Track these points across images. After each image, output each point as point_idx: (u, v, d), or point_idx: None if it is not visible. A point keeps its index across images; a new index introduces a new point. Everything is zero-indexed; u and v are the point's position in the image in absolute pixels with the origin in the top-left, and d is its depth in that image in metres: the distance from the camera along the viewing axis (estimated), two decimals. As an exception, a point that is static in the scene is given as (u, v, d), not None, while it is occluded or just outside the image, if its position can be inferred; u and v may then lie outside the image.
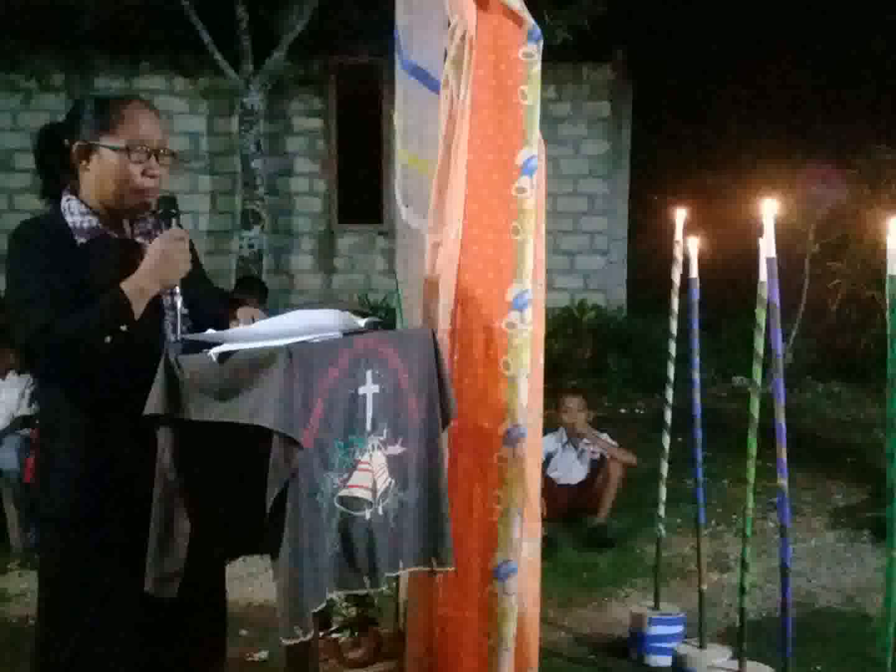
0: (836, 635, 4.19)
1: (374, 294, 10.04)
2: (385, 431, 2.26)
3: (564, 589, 4.67)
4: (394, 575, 2.41)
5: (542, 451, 3.50)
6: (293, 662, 2.28)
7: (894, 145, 9.26)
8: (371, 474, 2.23)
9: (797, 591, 4.34)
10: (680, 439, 4.42)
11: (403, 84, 3.21)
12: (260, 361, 2.06)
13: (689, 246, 3.80)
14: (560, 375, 7.85)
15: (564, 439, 5.82)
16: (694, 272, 3.74)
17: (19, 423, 5.44)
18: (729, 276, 7.41)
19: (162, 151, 2.39)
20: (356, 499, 2.21)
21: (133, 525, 2.25)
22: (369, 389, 2.21)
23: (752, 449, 3.31)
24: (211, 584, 2.47)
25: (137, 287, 2.26)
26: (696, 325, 3.76)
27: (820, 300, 9.53)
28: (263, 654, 3.98)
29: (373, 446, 2.23)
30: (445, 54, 2.75)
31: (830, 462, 6.65)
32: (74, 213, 2.37)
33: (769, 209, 2.90)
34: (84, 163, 2.38)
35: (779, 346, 2.97)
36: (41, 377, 2.58)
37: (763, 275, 3.08)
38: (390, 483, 2.27)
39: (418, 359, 2.36)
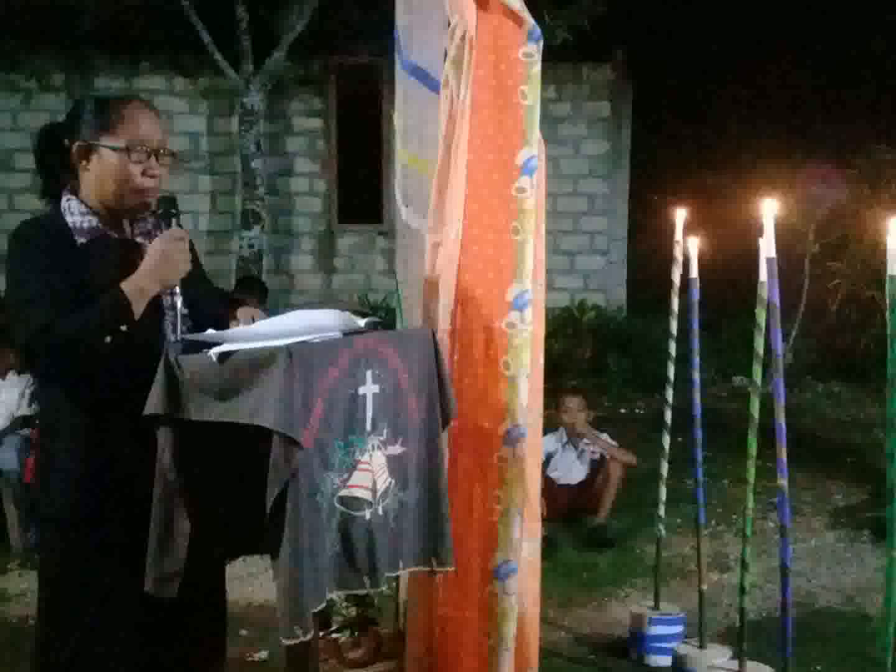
0: (836, 635, 4.19)
1: (374, 294, 10.04)
2: (385, 431, 2.26)
3: (564, 589, 4.67)
4: (394, 575, 2.41)
5: (542, 451, 3.50)
6: (293, 662, 2.28)
7: (894, 145, 9.26)
8: (371, 474, 2.23)
9: (797, 591, 4.34)
10: (680, 439, 4.42)
11: (403, 84, 3.21)
12: (260, 361, 2.06)
13: (689, 246, 3.80)
14: (560, 375, 7.85)
15: (564, 439, 5.82)
16: (694, 272, 3.74)
17: (19, 423, 5.44)
18: (729, 276, 7.41)
19: (162, 151, 2.39)
20: (356, 499, 2.21)
21: (133, 525, 2.25)
22: (369, 389, 2.21)
23: (752, 449, 3.31)
24: (211, 584, 2.47)
25: (137, 287, 2.26)
26: (696, 325, 3.76)
27: (820, 300, 9.53)
28: (263, 654, 3.98)
29: (373, 446, 2.23)
30: (445, 54, 2.75)
31: (830, 462, 6.65)
32: (74, 213, 2.37)
33: (769, 209, 2.90)
34: (84, 163, 2.38)
35: (779, 346, 2.97)
36: (41, 377, 2.58)
37: (763, 275, 3.08)
38: (390, 483, 2.27)
39: (418, 359, 2.36)
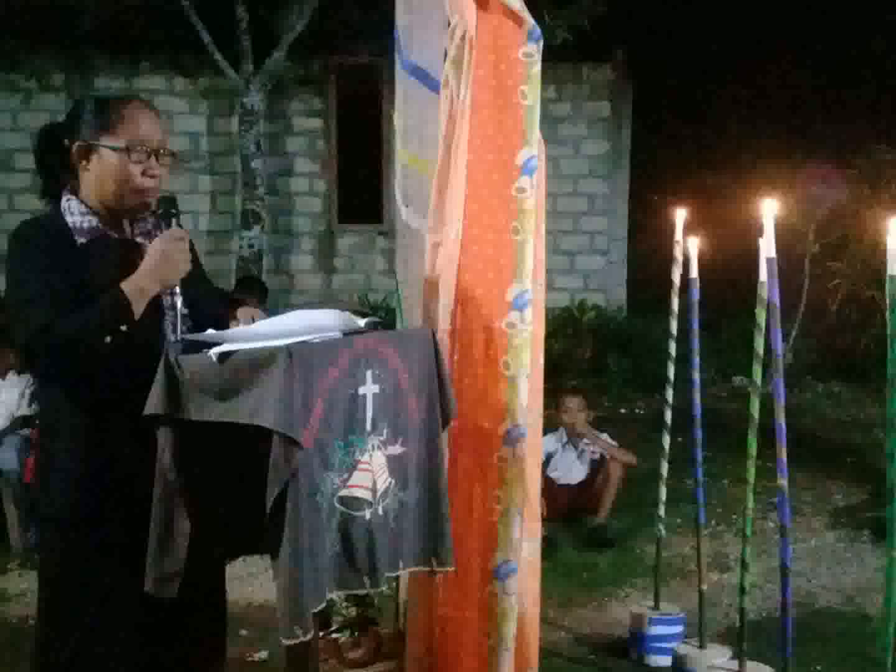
0: (836, 635, 4.19)
1: (374, 294, 10.04)
2: (385, 431, 2.26)
3: (564, 589, 4.67)
4: (394, 575, 2.41)
5: (542, 451, 3.50)
6: (293, 662, 2.28)
7: (894, 145, 9.26)
8: (371, 474, 2.23)
9: (797, 591, 4.34)
10: (680, 439, 4.42)
11: (403, 84, 3.21)
12: (260, 361, 2.06)
13: (689, 246, 3.80)
14: (560, 375, 7.85)
15: (564, 439, 5.82)
16: (694, 272, 3.74)
17: (19, 423, 5.44)
18: (729, 276, 7.41)
19: (162, 151, 2.39)
20: (356, 499, 2.21)
21: (133, 525, 2.25)
22: (369, 389, 2.21)
23: (752, 449, 3.31)
24: (211, 584, 2.47)
25: (137, 287, 2.26)
26: (696, 325, 3.76)
27: (820, 300, 9.53)
28: (263, 654, 3.98)
29: (373, 446, 2.23)
30: (445, 54, 2.75)
31: (830, 462, 6.65)
32: (74, 213, 2.37)
33: (769, 209, 2.90)
34: (84, 163, 2.38)
35: (779, 346, 2.97)
36: (41, 377, 2.58)
37: (763, 275, 3.08)
38: (390, 483, 2.27)
39: (418, 359, 2.36)
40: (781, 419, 2.96)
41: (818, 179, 8.97)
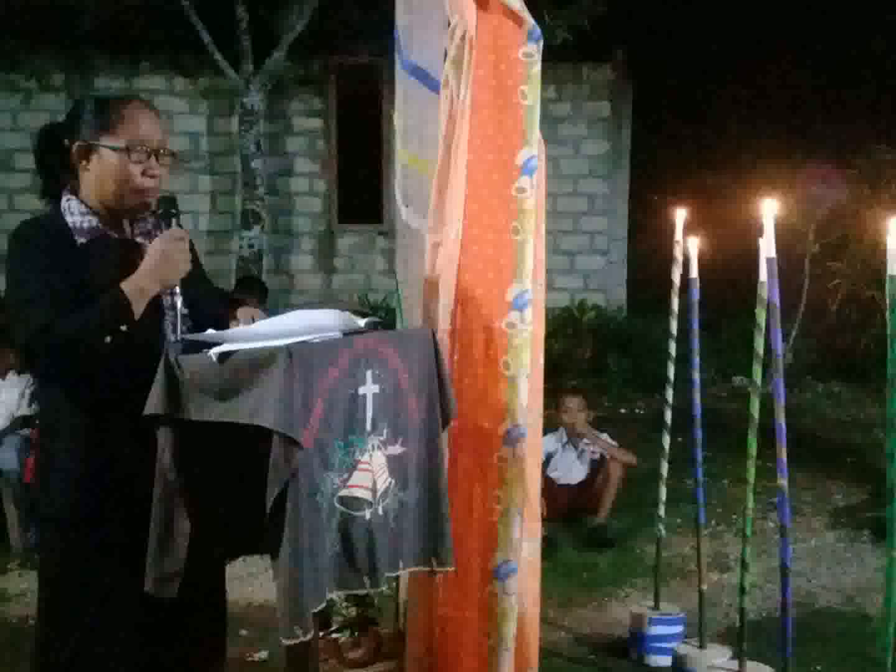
0: (836, 635, 4.19)
1: (374, 294, 10.04)
2: (385, 431, 2.26)
3: (564, 589, 4.67)
4: (394, 575, 2.41)
5: (542, 451, 3.50)
6: (293, 662, 2.28)
7: (894, 145, 9.26)
8: (371, 474, 2.23)
9: (797, 591, 4.34)
10: (680, 439, 4.42)
11: (403, 84, 3.21)
12: (260, 361, 2.06)
13: (689, 246, 3.80)
14: (560, 375, 7.85)
15: (564, 439, 5.81)
16: (694, 272, 3.74)
17: (19, 423, 5.44)
18: (729, 276, 7.41)
19: (162, 151, 2.39)
20: (356, 499, 2.21)
21: (133, 525, 2.25)
22: (369, 389, 2.21)
23: (752, 449, 3.31)
24: (211, 584, 2.47)
25: (137, 287, 2.26)
26: (696, 325, 3.76)
27: (820, 300, 9.53)
28: (263, 654, 3.98)
29: (373, 446, 2.23)
30: (445, 54, 2.75)
31: (830, 462, 6.65)
32: (74, 213, 2.37)
33: (769, 209, 2.90)
34: (84, 163, 2.38)
35: (779, 346, 2.97)
36: (41, 377, 2.58)
37: (763, 275, 3.08)
38: (390, 483, 2.27)
39: (418, 359, 2.36)
40: (781, 419, 2.96)
41: (818, 179, 8.97)
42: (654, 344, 7.57)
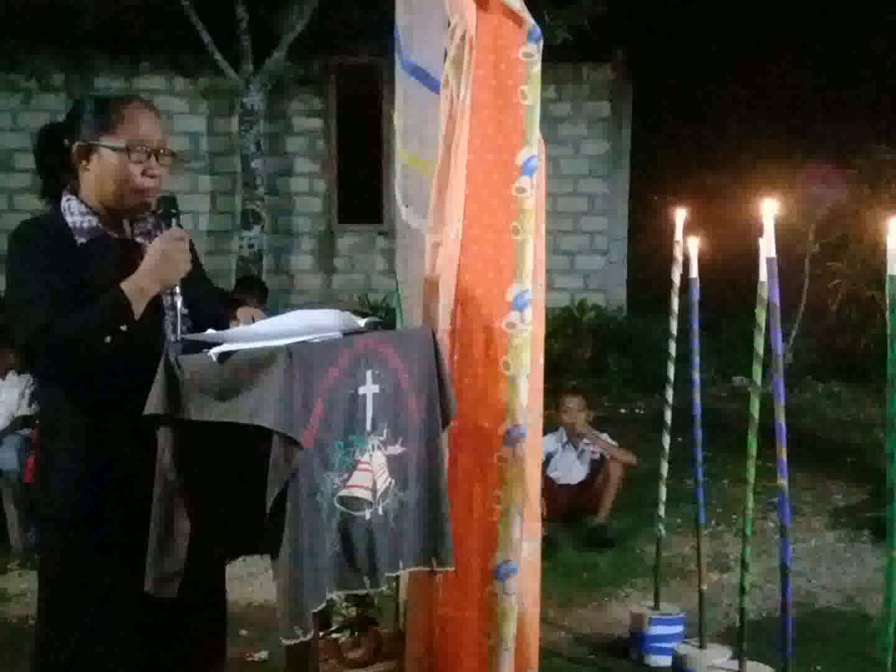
0: (836, 635, 4.19)
1: (374, 294, 10.04)
2: (385, 431, 2.26)
3: (564, 589, 4.67)
4: (394, 575, 2.41)
5: (542, 451, 3.50)
6: (293, 662, 2.28)
7: (894, 145, 9.26)
8: (371, 474, 2.23)
9: (797, 591, 4.34)
10: (680, 439, 4.42)
11: (403, 84, 3.21)
12: (260, 361, 2.06)
13: (689, 246, 3.80)
14: (560, 375, 7.85)
15: (564, 439, 5.81)
16: (694, 272, 3.74)
17: (19, 423, 5.44)
18: (729, 276, 7.41)
19: (162, 151, 2.39)
20: (356, 499, 2.21)
21: (133, 525, 2.25)
22: (369, 389, 2.21)
23: (752, 449, 3.31)
24: (211, 584, 2.47)
25: (137, 287, 2.26)
26: (696, 325, 3.76)
27: (820, 300, 9.53)
28: (263, 654, 3.98)
29: (373, 446, 2.23)
30: (445, 54, 2.75)
31: (830, 462, 6.65)
32: (74, 213, 2.37)
33: (769, 209, 2.90)
34: (84, 163, 2.38)
35: (779, 346, 2.97)
36: (41, 377, 2.58)
37: (763, 275, 3.08)
38: (390, 483, 2.27)
39: (418, 359, 2.36)
40: (781, 419, 2.96)
41: (818, 179, 8.97)
42: (654, 344, 7.57)
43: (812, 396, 8.94)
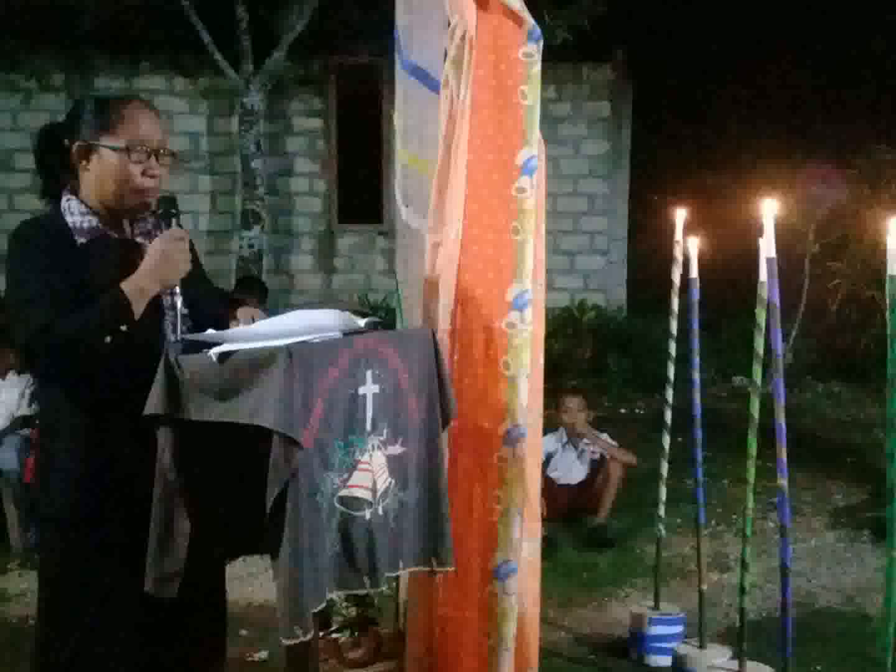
0: (836, 635, 4.19)
1: (374, 294, 10.04)
2: (385, 431, 2.26)
3: (564, 589, 4.67)
4: (394, 575, 2.41)
5: (542, 451, 3.50)
6: (293, 662, 2.28)
7: (894, 145, 9.26)
8: (371, 474, 2.23)
9: (797, 591, 4.34)
10: (680, 439, 4.42)
11: (403, 84, 3.21)
12: (260, 361, 2.06)
13: (689, 246, 3.80)
14: (560, 375, 7.85)
15: (564, 439, 5.81)
16: (694, 272, 3.74)
17: (19, 423, 5.44)
18: (729, 276, 7.41)
19: (162, 151, 2.39)
20: (356, 499, 2.21)
21: (133, 525, 2.25)
22: (369, 389, 2.21)
23: (752, 449, 3.31)
24: (211, 584, 2.47)
25: (137, 287, 2.26)
26: (696, 325, 3.76)
27: (820, 300, 9.53)
28: (263, 654, 3.98)
29: (373, 446, 2.23)
30: (445, 54, 2.75)
31: (830, 462, 6.65)
32: (74, 213, 2.37)
33: (769, 209, 2.90)
34: (84, 163, 2.38)
35: (779, 346, 2.97)
36: (41, 377, 2.58)
37: (763, 275, 3.08)
38: (390, 483, 2.27)
39: (418, 359, 2.36)
40: (781, 419, 2.96)
41: (818, 179, 8.97)
42: (654, 344, 7.57)
43: (812, 396, 8.94)
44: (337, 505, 2.17)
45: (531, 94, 2.63)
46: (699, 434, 3.81)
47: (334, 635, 3.05)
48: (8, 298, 2.30)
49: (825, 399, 8.93)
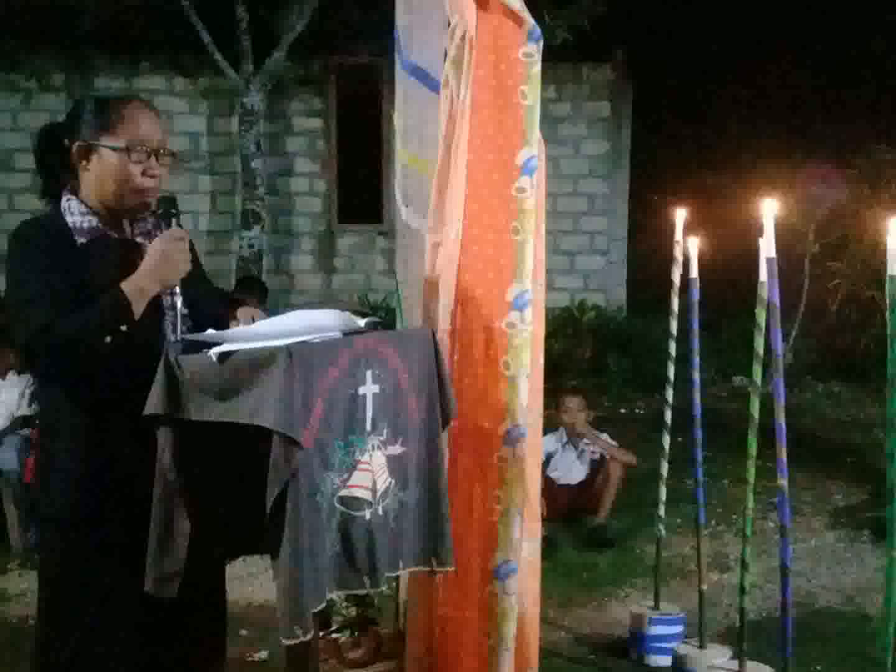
0: (836, 635, 4.19)
1: (374, 294, 10.04)
2: (385, 431, 2.26)
3: (564, 589, 4.67)
4: (394, 575, 2.41)
5: (542, 451, 3.50)
6: (293, 662, 2.28)
7: (894, 145, 9.26)
8: (371, 474, 2.23)
9: (797, 591, 4.34)
10: (680, 439, 4.42)
11: (403, 84, 3.21)
12: (260, 361, 2.06)
13: (689, 246, 3.80)
14: (560, 375, 7.85)
15: (564, 439, 5.81)
16: (694, 272, 3.74)
17: (19, 423, 5.44)
18: (729, 276, 7.41)
19: (162, 151, 2.39)
20: (356, 499, 2.21)
21: (133, 525, 2.25)
22: (369, 389, 2.21)
23: (752, 449, 3.31)
24: (211, 584, 2.47)
25: (137, 287, 2.26)
26: (696, 325, 3.76)
27: (820, 300, 9.53)
28: (263, 654, 3.98)
29: (373, 446, 2.23)
30: (445, 54, 2.75)
31: (830, 462, 6.65)
32: (74, 213, 2.37)
33: (769, 209, 2.90)
34: (84, 163, 2.38)
35: (779, 346, 2.97)
36: (41, 377, 2.58)
37: (763, 275, 3.08)
38: (390, 483, 2.27)
39: (418, 359, 2.36)
40: (781, 419, 2.96)
41: (818, 179, 8.97)
42: (654, 344, 7.57)
43: (812, 396, 8.94)
44: (337, 505, 2.17)
45: (531, 94, 2.63)
46: (699, 434, 3.81)
47: (334, 635, 3.05)
48: (8, 298, 2.30)
49: (825, 399, 8.93)
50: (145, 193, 2.38)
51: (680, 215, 3.87)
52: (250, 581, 4.61)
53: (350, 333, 2.26)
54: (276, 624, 2.08)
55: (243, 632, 4.09)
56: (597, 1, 9.20)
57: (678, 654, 3.76)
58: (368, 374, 2.21)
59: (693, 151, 11.86)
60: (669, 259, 3.91)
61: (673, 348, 3.98)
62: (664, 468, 4.03)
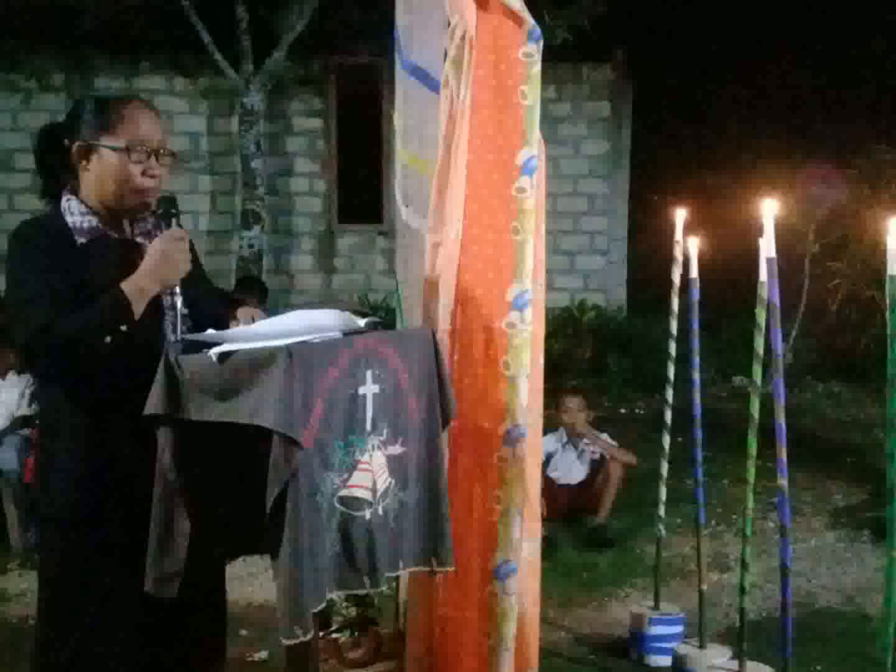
0: (836, 635, 4.19)
1: (374, 294, 10.05)
2: (385, 431, 2.26)
3: (564, 589, 4.67)
4: (394, 575, 2.41)
5: (542, 451, 3.50)
6: (293, 662, 2.28)
7: (894, 145, 9.26)
8: (371, 474, 2.23)
9: (797, 591, 4.34)
10: (680, 439, 4.42)
11: (403, 84, 3.21)
12: (260, 361, 2.06)
13: (689, 246, 3.80)
14: (560, 375, 7.85)
15: (564, 439, 5.81)
16: (694, 272, 3.74)
17: (19, 423, 5.44)
18: (729, 276, 7.41)
19: (162, 151, 2.39)
20: (356, 499, 2.21)
21: (133, 525, 2.25)
22: (369, 389, 2.21)
23: (752, 449, 3.31)
24: (211, 584, 2.47)
25: (137, 287, 2.26)
26: (696, 325, 3.76)
27: (820, 300, 9.53)
28: (263, 654, 3.98)
29: (373, 446, 2.23)
30: (445, 54, 2.75)
31: (830, 462, 6.65)
32: (74, 213, 2.37)
33: (769, 209, 2.90)
34: (84, 163, 2.38)
35: (779, 346, 2.97)
36: (41, 377, 2.58)
37: (763, 275, 3.08)
38: (390, 483, 2.27)
39: (418, 359, 2.36)
40: (781, 419, 2.96)
41: (818, 179, 8.97)
42: (654, 344, 7.57)
43: (812, 396, 8.94)
44: (337, 505, 2.17)
45: (531, 94, 2.63)
46: (699, 434, 3.81)
47: (334, 635, 3.05)
48: (8, 298, 2.30)
49: (825, 399, 8.93)
50: (145, 193, 2.38)
51: (680, 215, 3.87)
52: (250, 581, 4.61)
53: (350, 333, 2.26)
54: (276, 624, 2.08)
55: (243, 632, 4.09)
56: (597, 1, 9.20)
57: (678, 654, 3.76)
58: (368, 374, 2.21)
59: (693, 151, 11.86)
60: (669, 259, 3.91)
61: (673, 348, 3.98)
62: (664, 468, 4.03)
